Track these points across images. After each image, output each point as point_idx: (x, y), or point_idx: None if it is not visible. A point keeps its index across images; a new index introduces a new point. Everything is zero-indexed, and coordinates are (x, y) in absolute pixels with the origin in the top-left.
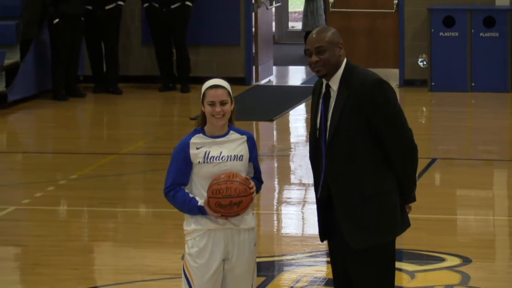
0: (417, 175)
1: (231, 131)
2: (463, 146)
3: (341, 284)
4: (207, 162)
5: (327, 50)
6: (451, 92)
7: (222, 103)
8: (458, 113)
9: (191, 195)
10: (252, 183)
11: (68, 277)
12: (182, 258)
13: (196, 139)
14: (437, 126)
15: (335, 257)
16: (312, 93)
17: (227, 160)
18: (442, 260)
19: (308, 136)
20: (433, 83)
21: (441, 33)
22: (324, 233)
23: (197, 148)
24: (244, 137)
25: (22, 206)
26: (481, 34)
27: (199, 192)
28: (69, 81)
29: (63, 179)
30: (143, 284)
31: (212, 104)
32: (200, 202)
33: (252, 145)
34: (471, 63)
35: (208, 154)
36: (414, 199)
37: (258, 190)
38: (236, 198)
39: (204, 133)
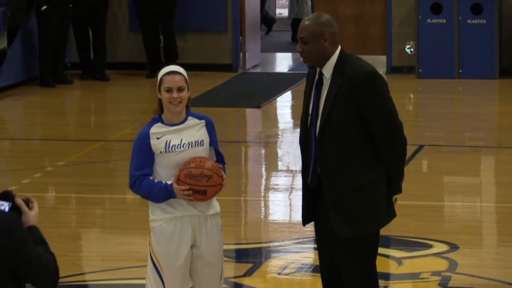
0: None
1: (189, 117)
2: (450, 133)
3: (326, 268)
4: (169, 151)
5: (309, 42)
6: (439, 79)
7: (179, 90)
8: (445, 100)
9: (156, 181)
10: (224, 174)
11: None
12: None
13: (155, 129)
14: (425, 113)
15: (320, 242)
16: (306, 78)
17: (188, 147)
18: (430, 246)
19: (300, 121)
20: (420, 70)
21: (428, 20)
22: (307, 218)
23: (158, 138)
24: (203, 122)
25: None
26: (469, 21)
27: (163, 180)
28: (57, 68)
29: (50, 166)
30: (130, 271)
31: (169, 90)
32: (169, 181)
33: (211, 128)
34: (458, 50)
35: (169, 143)
36: (400, 191)
37: (224, 171)
38: (208, 171)
39: (162, 122)
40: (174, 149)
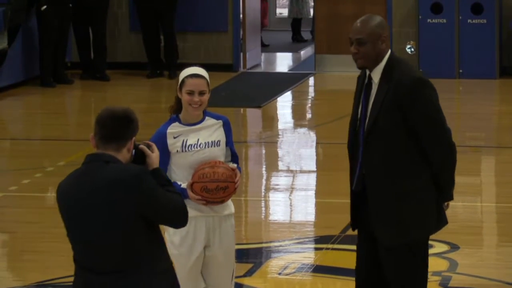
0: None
1: (206, 117)
2: None
3: (363, 272)
4: (185, 151)
5: (367, 43)
6: (439, 78)
7: (201, 93)
8: (445, 100)
9: (172, 181)
10: (238, 175)
11: (56, 264)
12: None
13: (172, 129)
14: None
15: (362, 246)
16: (357, 80)
17: (205, 147)
18: (430, 246)
19: (349, 124)
20: (421, 70)
21: (429, 20)
22: (355, 223)
23: (174, 138)
24: (220, 122)
25: (9, 192)
26: (469, 20)
27: (179, 180)
28: (57, 68)
29: (50, 166)
30: None
31: (191, 93)
32: (183, 185)
33: (228, 129)
34: (459, 49)
35: (186, 142)
36: (451, 198)
37: (240, 171)
38: (223, 183)
39: (180, 121)
40: (191, 148)
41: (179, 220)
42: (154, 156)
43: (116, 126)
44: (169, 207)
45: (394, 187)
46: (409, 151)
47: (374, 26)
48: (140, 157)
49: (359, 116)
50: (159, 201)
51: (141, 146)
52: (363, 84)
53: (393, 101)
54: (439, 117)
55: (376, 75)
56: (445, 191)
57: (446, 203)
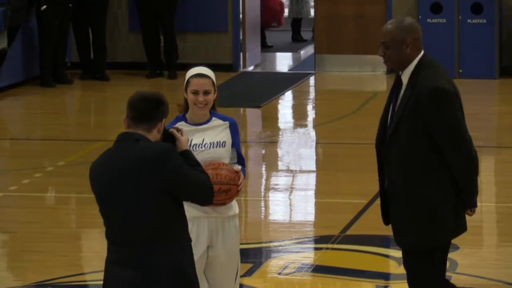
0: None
1: (213, 118)
2: None
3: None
4: None
5: (390, 47)
6: None
7: (206, 93)
8: None
9: None
10: (241, 178)
11: (56, 264)
12: None
13: None
14: None
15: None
16: (395, 77)
17: (209, 147)
18: None
19: (379, 121)
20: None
21: (428, 20)
22: (387, 219)
23: None
24: (227, 123)
25: (9, 192)
26: (469, 20)
27: None
28: (57, 68)
29: (50, 166)
30: None
31: (196, 93)
32: None
33: (234, 130)
34: (458, 49)
35: (191, 142)
36: (473, 205)
37: (244, 174)
38: (226, 185)
39: (186, 121)
40: (196, 148)
41: (206, 196)
42: (183, 139)
43: (147, 107)
44: (196, 184)
45: (412, 191)
46: (428, 157)
47: (398, 30)
48: (169, 140)
49: (390, 113)
50: (187, 178)
51: (171, 129)
52: (395, 84)
53: (413, 108)
54: (458, 126)
55: (405, 77)
56: (466, 198)
57: (471, 210)
